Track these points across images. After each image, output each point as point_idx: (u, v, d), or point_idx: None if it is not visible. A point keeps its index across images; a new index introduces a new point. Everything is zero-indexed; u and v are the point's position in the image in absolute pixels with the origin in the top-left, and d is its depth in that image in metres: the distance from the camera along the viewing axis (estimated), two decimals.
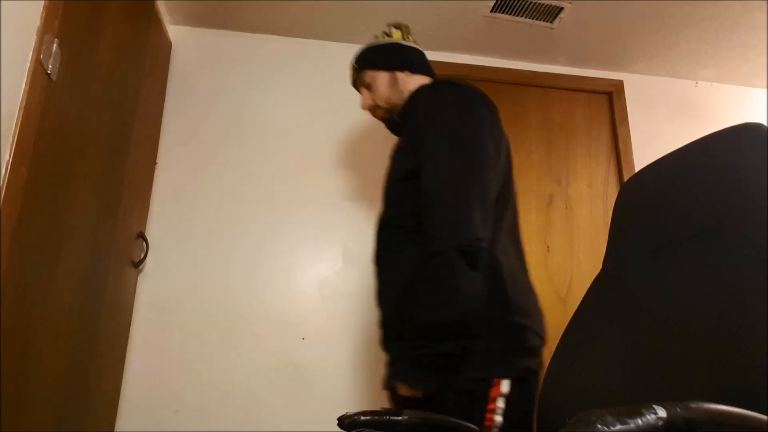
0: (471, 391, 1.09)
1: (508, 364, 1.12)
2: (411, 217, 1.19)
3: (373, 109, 1.55)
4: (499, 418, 1.08)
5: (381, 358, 2.03)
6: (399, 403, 1.12)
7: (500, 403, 1.08)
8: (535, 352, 1.16)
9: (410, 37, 1.59)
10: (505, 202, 1.27)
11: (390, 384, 1.15)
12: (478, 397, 1.08)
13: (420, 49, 1.57)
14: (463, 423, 0.96)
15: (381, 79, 1.51)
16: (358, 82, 1.58)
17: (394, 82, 1.50)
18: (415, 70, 1.52)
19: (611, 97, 2.56)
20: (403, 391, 1.08)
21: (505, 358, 1.12)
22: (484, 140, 1.21)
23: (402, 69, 1.52)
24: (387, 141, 2.31)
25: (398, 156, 1.35)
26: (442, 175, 1.15)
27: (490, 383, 1.08)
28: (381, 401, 1.96)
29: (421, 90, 1.34)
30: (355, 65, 1.57)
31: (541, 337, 1.19)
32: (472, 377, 1.08)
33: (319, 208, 2.19)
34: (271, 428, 1.90)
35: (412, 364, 1.07)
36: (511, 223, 1.30)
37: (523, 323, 1.16)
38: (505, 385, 1.09)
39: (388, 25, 1.60)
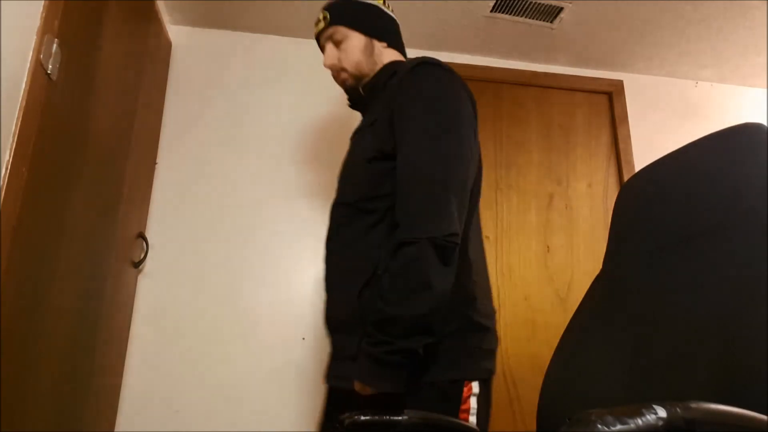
0: (446, 391, 1.05)
1: (478, 365, 1.10)
2: (380, 200, 1.13)
3: (338, 72, 1.37)
4: (473, 419, 1.07)
5: None
6: (342, 400, 1.07)
7: (473, 403, 1.07)
8: (495, 354, 1.15)
9: (389, 5, 1.46)
10: (475, 197, 1.19)
11: (334, 380, 1.11)
12: (451, 397, 1.05)
13: (397, 21, 1.45)
14: (463, 423, 0.96)
15: (356, 41, 1.37)
16: (324, 36, 1.38)
17: (369, 49, 1.39)
18: (391, 43, 1.42)
19: (611, 97, 2.56)
20: (365, 390, 0.98)
21: (476, 359, 1.10)
22: (469, 131, 1.16)
23: (380, 38, 1.42)
24: None
25: (366, 134, 1.25)
26: (425, 161, 1.07)
27: (462, 384, 1.06)
28: None
29: (408, 66, 1.24)
30: (327, 15, 1.38)
31: (498, 340, 1.18)
32: (448, 378, 1.05)
33: (320, 208, 2.19)
34: (271, 428, 1.90)
35: (375, 362, 0.98)
36: (478, 221, 1.24)
37: (488, 325, 1.14)
38: (475, 386, 1.08)
39: None
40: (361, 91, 1.37)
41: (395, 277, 1.00)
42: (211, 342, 1.96)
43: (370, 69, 1.37)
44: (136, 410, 1.86)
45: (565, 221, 2.35)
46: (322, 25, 1.38)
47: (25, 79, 1.16)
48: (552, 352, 1.04)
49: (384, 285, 1.01)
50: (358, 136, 1.31)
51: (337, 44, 1.37)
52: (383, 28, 1.43)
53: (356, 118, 2.38)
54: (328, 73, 2.47)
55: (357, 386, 0.99)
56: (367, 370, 0.98)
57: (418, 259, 0.98)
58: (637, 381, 0.83)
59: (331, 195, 2.33)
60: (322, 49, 1.41)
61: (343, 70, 1.36)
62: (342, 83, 1.39)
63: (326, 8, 1.40)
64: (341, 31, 1.37)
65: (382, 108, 1.22)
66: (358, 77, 1.37)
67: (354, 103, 1.43)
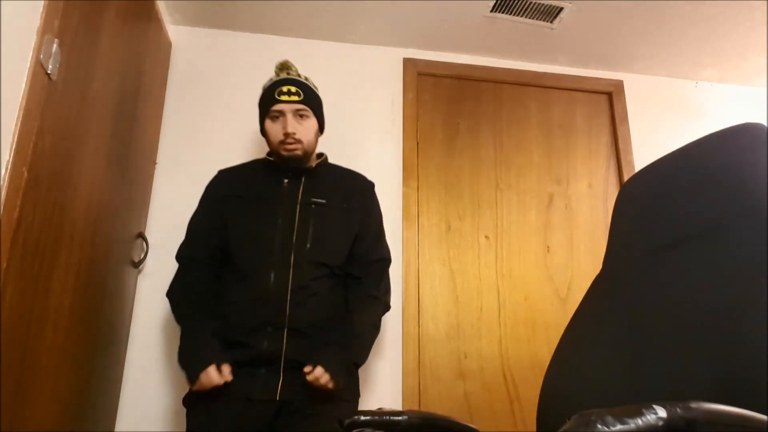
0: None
1: None
2: (345, 266, 1.62)
3: (294, 141, 1.61)
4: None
5: (380, 357, 2.03)
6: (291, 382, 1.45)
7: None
8: None
9: None
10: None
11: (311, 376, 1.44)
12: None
13: None
14: (463, 423, 0.96)
15: (314, 124, 1.69)
16: (293, 107, 1.63)
17: (317, 136, 1.72)
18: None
19: (611, 97, 2.56)
20: (331, 384, 1.43)
21: None
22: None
23: (323, 130, 1.78)
24: (387, 140, 2.31)
25: (339, 215, 1.64)
26: (388, 251, 1.74)
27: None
28: (381, 401, 1.97)
29: (365, 182, 1.81)
30: (301, 93, 1.65)
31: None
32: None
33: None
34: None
35: (348, 369, 1.52)
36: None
37: None
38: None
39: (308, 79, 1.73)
40: (295, 164, 1.65)
41: (377, 323, 1.64)
42: None
43: (312, 151, 1.70)
44: (136, 410, 1.86)
45: (565, 221, 2.35)
46: (296, 97, 1.64)
47: (25, 79, 1.16)
48: (552, 352, 1.04)
49: (371, 325, 1.61)
50: (322, 208, 1.63)
51: (299, 119, 1.64)
52: (324, 123, 1.77)
53: (354, 117, 2.37)
54: (328, 73, 2.47)
55: (323, 378, 1.42)
56: (346, 372, 1.50)
57: (381, 316, 1.66)
58: (637, 381, 0.83)
59: None
60: (279, 111, 1.63)
61: (299, 142, 1.62)
62: (291, 151, 1.62)
63: (298, 85, 1.67)
64: (308, 109, 1.67)
65: (346, 200, 1.68)
66: (305, 152, 1.65)
67: (289, 169, 1.67)
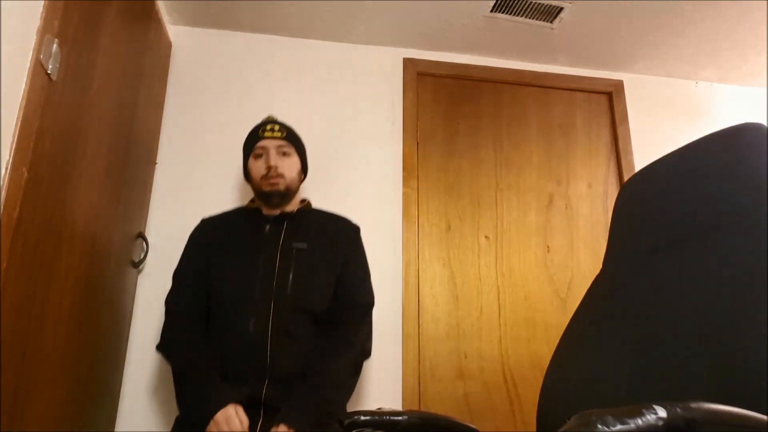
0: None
1: None
2: (328, 312, 1.59)
3: (276, 175, 1.64)
4: None
5: (379, 357, 2.03)
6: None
7: None
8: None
9: None
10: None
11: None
12: None
13: None
14: (463, 423, 0.97)
15: (297, 162, 1.72)
16: (276, 143, 1.67)
17: (300, 176, 1.75)
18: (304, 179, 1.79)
19: (611, 97, 2.56)
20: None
21: None
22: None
23: (306, 174, 1.80)
24: (387, 140, 2.31)
25: (324, 263, 1.63)
26: (372, 296, 1.70)
27: None
28: (381, 400, 1.97)
29: (349, 227, 1.77)
30: (284, 131, 1.70)
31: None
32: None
33: (319, 208, 2.18)
34: None
35: (320, 419, 1.44)
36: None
37: None
38: None
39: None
40: (278, 201, 1.67)
41: (357, 369, 1.61)
42: None
43: (295, 190, 1.72)
44: (136, 410, 1.86)
45: (565, 221, 2.35)
46: (279, 134, 1.68)
47: (25, 79, 1.16)
48: (552, 352, 1.04)
49: (349, 373, 1.58)
50: (303, 253, 1.61)
51: (282, 155, 1.67)
52: (307, 167, 1.80)
53: (354, 118, 2.38)
54: (328, 73, 2.46)
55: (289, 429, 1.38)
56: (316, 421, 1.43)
57: (361, 364, 1.62)
58: (637, 381, 0.83)
59: (332, 194, 2.34)
60: (262, 147, 1.67)
61: (282, 176, 1.65)
62: (273, 185, 1.64)
63: (280, 124, 1.71)
64: (290, 147, 1.70)
65: (330, 245, 1.66)
66: (288, 188, 1.67)
67: (268, 206, 1.69)
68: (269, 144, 1.66)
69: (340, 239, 1.70)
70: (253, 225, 1.67)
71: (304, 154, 1.78)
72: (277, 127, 1.69)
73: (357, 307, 1.65)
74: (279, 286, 1.55)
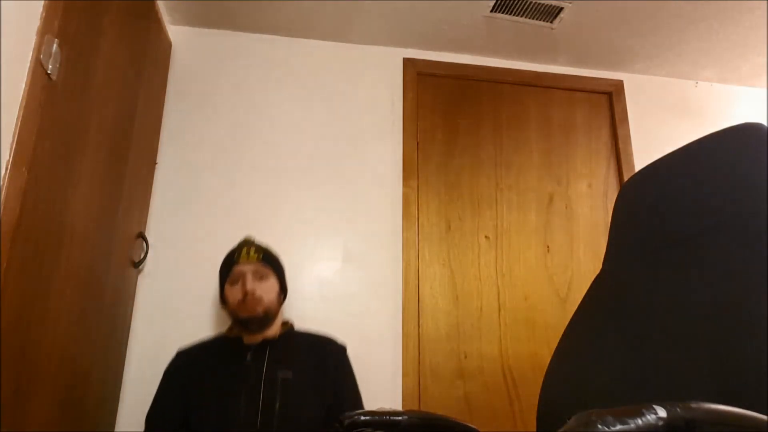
0: None
1: None
2: None
3: (254, 300, 1.57)
4: None
5: (379, 357, 2.03)
6: None
7: None
8: None
9: None
10: None
11: None
12: None
13: None
14: (463, 423, 0.96)
15: (275, 284, 1.66)
16: (251, 267, 1.62)
17: (279, 298, 1.67)
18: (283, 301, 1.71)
19: (611, 97, 2.56)
20: None
21: None
22: None
23: (286, 295, 1.72)
24: (387, 141, 2.31)
25: (301, 383, 1.53)
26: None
27: None
28: (381, 401, 1.97)
29: (337, 351, 1.66)
30: (261, 254, 1.65)
31: None
32: None
33: (319, 208, 2.19)
34: None
35: None
36: None
37: None
38: None
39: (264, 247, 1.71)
40: (255, 328, 1.59)
41: None
42: None
43: (275, 314, 1.63)
44: (136, 410, 1.86)
45: (565, 221, 2.35)
46: (255, 257, 1.63)
47: (25, 79, 1.16)
48: (552, 352, 1.04)
49: None
50: (289, 383, 1.52)
51: (259, 279, 1.61)
52: (287, 288, 1.73)
53: (354, 118, 2.37)
54: (328, 73, 2.47)
55: None
56: None
57: None
58: (638, 380, 0.83)
59: (332, 194, 2.34)
60: (239, 272, 1.62)
61: (260, 301, 1.57)
62: (251, 311, 1.57)
63: (256, 246, 1.67)
64: (268, 269, 1.64)
65: (317, 371, 1.57)
66: (267, 313, 1.59)
67: (247, 331, 1.61)
68: (245, 268, 1.61)
69: (327, 363, 1.61)
70: (233, 355, 1.58)
71: (283, 275, 1.71)
72: (252, 250, 1.64)
73: None
74: (264, 421, 1.46)
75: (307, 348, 1.65)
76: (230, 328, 1.68)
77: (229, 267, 1.65)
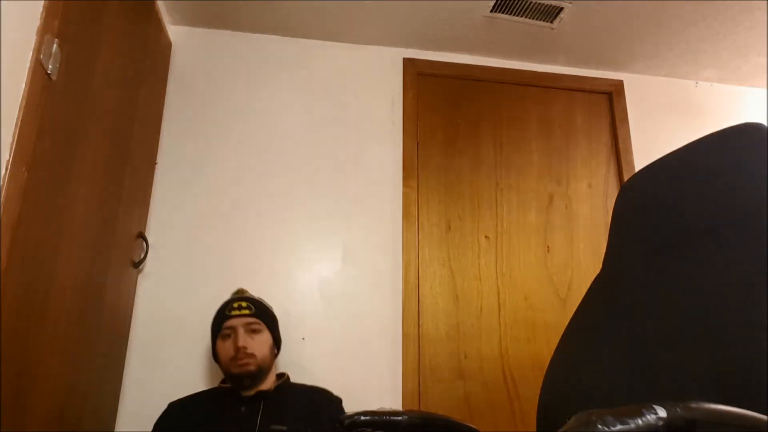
0: None
1: None
2: None
3: (245, 356, 1.56)
4: None
5: (379, 357, 2.03)
6: None
7: None
8: None
9: None
10: None
11: None
12: None
13: None
14: (463, 423, 0.96)
15: (268, 338, 1.65)
16: (243, 321, 1.61)
17: (273, 352, 1.67)
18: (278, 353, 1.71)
19: (611, 97, 2.56)
20: None
21: None
22: None
23: (279, 348, 1.72)
24: (387, 140, 2.31)
25: None
26: None
27: None
28: (381, 400, 1.97)
29: (331, 406, 1.63)
30: (252, 307, 1.64)
31: None
32: None
33: (319, 208, 2.19)
34: None
35: None
36: None
37: None
38: None
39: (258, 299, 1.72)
40: (250, 382, 1.58)
41: None
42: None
43: (268, 369, 1.64)
44: (136, 410, 1.86)
45: (565, 221, 2.35)
46: (246, 311, 1.62)
47: (25, 79, 1.16)
48: (552, 352, 1.04)
49: None
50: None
51: (251, 333, 1.61)
52: (280, 340, 1.73)
53: (354, 118, 2.38)
54: (328, 73, 2.46)
55: None
56: None
57: None
58: (637, 381, 0.83)
59: (332, 194, 2.34)
60: (230, 327, 1.61)
61: (252, 356, 1.57)
62: (243, 367, 1.56)
63: (248, 300, 1.67)
64: (261, 324, 1.63)
65: (312, 424, 1.53)
66: (260, 368, 1.59)
67: (237, 384, 1.60)
68: (237, 323, 1.61)
69: (322, 417, 1.59)
70: (226, 409, 1.57)
71: (276, 327, 1.71)
72: (244, 304, 1.64)
73: None
74: None
75: (302, 401, 1.63)
76: (223, 380, 1.68)
77: (220, 321, 1.64)
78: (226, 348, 1.59)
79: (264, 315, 1.68)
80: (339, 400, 1.68)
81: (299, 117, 2.29)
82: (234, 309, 1.63)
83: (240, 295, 1.70)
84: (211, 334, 1.69)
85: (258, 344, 1.60)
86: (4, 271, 1.08)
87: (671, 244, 0.90)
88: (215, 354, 1.66)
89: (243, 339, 1.57)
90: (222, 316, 1.65)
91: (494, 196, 2.34)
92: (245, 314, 1.62)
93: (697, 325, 0.78)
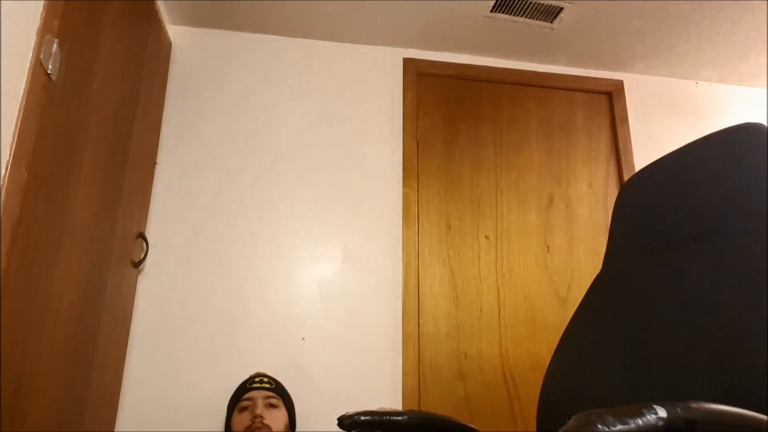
0: None
1: None
2: None
3: (262, 425, 1.57)
4: None
5: (379, 357, 2.03)
6: None
7: None
8: None
9: None
10: None
11: None
12: None
13: None
14: (463, 423, 0.96)
15: (284, 416, 1.66)
16: (264, 393, 1.65)
17: (288, 431, 1.67)
18: None
19: (611, 97, 2.56)
20: None
21: None
22: None
23: (294, 429, 1.72)
24: (387, 140, 2.32)
25: None
26: None
27: None
28: (381, 400, 1.97)
29: None
30: (273, 384, 1.69)
31: None
32: None
33: (320, 208, 2.19)
34: None
35: None
36: None
37: None
38: None
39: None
40: None
41: None
42: (211, 342, 1.96)
43: None
44: (136, 410, 1.86)
45: (565, 221, 2.35)
46: (267, 385, 1.66)
47: (25, 79, 1.16)
48: (552, 352, 1.04)
49: None
50: None
51: (269, 408, 1.63)
52: (296, 424, 1.74)
53: (354, 118, 2.38)
54: (328, 73, 2.47)
55: None
56: None
57: None
58: (638, 381, 0.83)
59: (332, 194, 2.34)
60: (249, 398, 1.63)
61: (268, 428, 1.58)
62: (257, 430, 1.57)
63: (269, 377, 1.71)
64: (279, 401, 1.66)
65: None
66: None
67: None
68: (257, 395, 1.63)
69: None
70: None
71: (293, 410, 1.72)
72: (266, 379, 1.68)
73: None
74: None
75: None
76: None
77: (240, 393, 1.66)
78: (242, 419, 1.60)
79: (283, 393, 1.71)
80: None
81: (299, 117, 2.29)
82: (255, 382, 1.66)
83: (261, 373, 1.75)
84: (227, 409, 1.70)
85: (275, 419, 1.61)
86: (4, 271, 1.08)
87: (672, 244, 0.90)
88: (228, 428, 1.65)
89: (261, 409, 1.59)
90: (242, 389, 1.67)
91: (494, 196, 2.34)
92: (266, 387, 1.65)
93: (697, 325, 0.78)
